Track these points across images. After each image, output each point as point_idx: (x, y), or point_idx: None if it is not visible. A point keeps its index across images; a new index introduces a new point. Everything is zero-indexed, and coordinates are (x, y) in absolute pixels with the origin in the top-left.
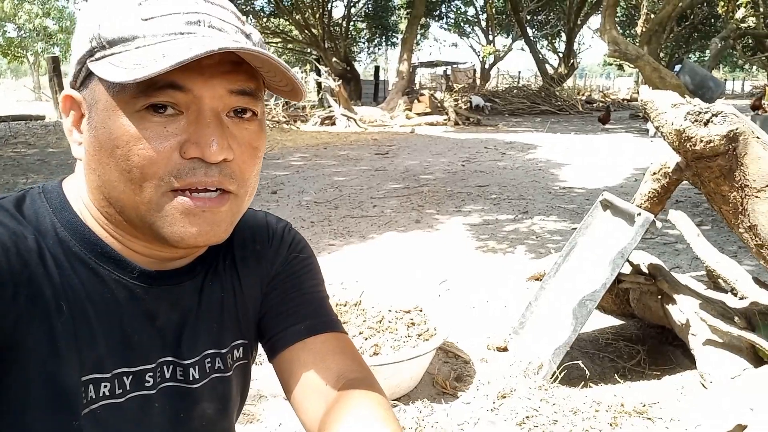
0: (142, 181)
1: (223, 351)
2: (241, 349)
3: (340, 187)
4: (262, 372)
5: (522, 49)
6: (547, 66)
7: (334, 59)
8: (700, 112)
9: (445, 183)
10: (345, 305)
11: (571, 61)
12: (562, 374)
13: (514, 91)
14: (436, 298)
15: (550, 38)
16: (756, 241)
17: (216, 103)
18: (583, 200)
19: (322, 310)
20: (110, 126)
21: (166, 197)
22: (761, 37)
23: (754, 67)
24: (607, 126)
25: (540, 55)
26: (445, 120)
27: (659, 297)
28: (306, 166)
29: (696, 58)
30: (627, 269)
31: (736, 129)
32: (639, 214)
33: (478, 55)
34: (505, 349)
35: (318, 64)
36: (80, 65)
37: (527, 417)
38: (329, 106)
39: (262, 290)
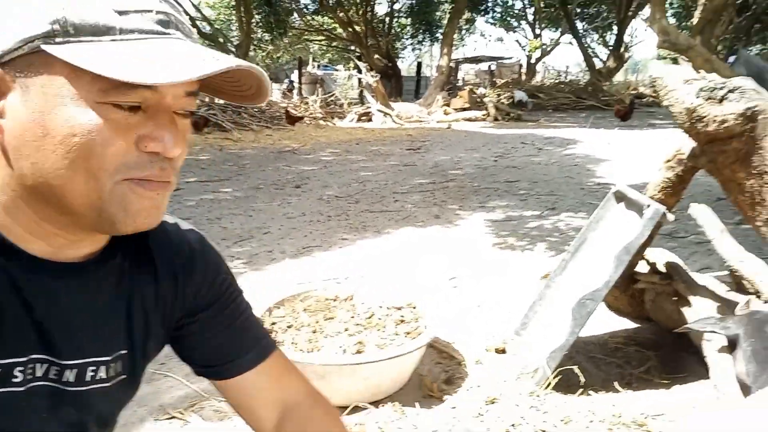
0: (97, 170)
1: (107, 359)
2: (121, 362)
3: (364, 182)
4: None
5: (570, 43)
6: (596, 60)
7: (375, 56)
8: (714, 89)
9: (473, 178)
10: (335, 300)
11: (621, 54)
12: (557, 379)
13: (560, 85)
14: (442, 295)
15: (600, 31)
16: None
17: (173, 102)
18: None
19: (261, 331)
20: (66, 114)
21: (119, 186)
22: None
23: None
24: (653, 122)
25: (589, 49)
26: (483, 115)
27: (675, 299)
28: (335, 162)
29: (757, 51)
30: (646, 268)
31: (755, 107)
32: (648, 206)
33: (524, 50)
34: (503, 351)
35: (358, 61)
36: (24, 43)
37: (513, 425)
38: (367, 103)
39: (177, 312)
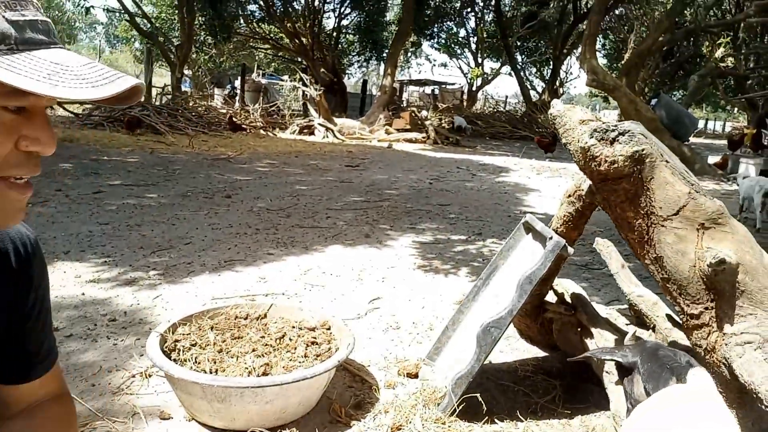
0: None
1: None
2: None
3: (298, 195)
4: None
5: (510, 74)
6: (533, 92)
7: (321, 70)
8: (606, 130)
9: (407, 199)
10: (246, 318)
11: (555, 88)
12: (462, 406)
13: (497, 114)
14: (361, 317)
15: (538, 65)
16: (662, 274)
17: (46, 103)
18: None
19: (54, 338)
20: None
21: None
22: (740, 77)
23: (736, 109)
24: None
25: (526, 81)
26: (424, 138)
27: (579, 329)
28: (270, 173)
29: (679, 96)
30: (555, 298)
31: (642, 150)
32: (551, 238)
33: (466, 77)
34: (416, 376)
35: (303, 73)
36: None
37: None
38: (310, 115)
39: (12, 310)
